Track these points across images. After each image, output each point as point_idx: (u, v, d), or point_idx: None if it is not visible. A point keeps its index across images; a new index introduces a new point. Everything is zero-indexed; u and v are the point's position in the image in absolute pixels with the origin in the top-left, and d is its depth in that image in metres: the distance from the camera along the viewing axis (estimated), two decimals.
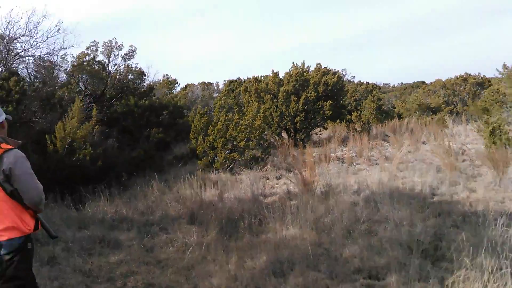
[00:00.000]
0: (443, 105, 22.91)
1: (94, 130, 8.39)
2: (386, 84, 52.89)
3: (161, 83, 32.82)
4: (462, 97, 24.15)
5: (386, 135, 15.62)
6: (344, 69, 47.46)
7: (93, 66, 11.56)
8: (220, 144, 10.11)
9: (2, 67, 9.57)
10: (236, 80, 28.03)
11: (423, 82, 39.65)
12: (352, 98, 27.27)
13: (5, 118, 3.18)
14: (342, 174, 9.51)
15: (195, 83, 38.82)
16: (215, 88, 40.30)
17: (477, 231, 5.04)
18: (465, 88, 24.37)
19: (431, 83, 29.67)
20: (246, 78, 23.52)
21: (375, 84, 39.66)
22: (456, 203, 6.50)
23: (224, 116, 10.36)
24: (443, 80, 25.60)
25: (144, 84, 15.77)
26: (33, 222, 3.07)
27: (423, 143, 13.36)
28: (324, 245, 4.87)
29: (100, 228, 5.77)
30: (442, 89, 25.00)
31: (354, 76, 41.94)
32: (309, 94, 14.58)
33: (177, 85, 35.21)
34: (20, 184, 2.94)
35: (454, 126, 17.78)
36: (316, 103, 14.90)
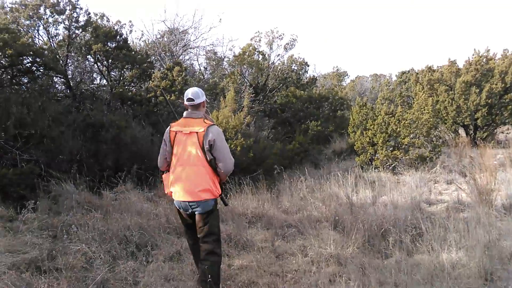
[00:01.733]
0: None
1: (246, 120, 8.21)
2: None
3: (330, 75, 32.46)
4: None
5: None
6: None
7: (253, 57, 11.54)
8: (380, 140, 9.09)
9: (171, 59, 10.10)
10: (409, 71, 26.00)
11: None
12: None
13: (205, 100, 3.80)
14: None
15: (366, 75, 37.39)
16: (388, 79, 38.24)
17: None
18: None
19: None
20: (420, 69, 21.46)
21: None
22: None
23: (386, 108, 9.27)
24: None
25: (307, 75, 15.44)
26: (219, 188, 3.72)
27: None
28: (497, 282, 3.67)
29: (237, 224, 5.45)
30: None
31: None
32: (494, 86, 12.36)
33: (346, 76, 34.43)
34: (219, 154, 3.57)
35: None
36: (503, 96, 12.58)
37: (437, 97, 13.11)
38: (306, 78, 15.06)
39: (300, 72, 15.00)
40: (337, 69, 33.93)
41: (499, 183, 7.93)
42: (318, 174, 9.26)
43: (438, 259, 4.05)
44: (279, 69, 13.67)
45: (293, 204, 6.64)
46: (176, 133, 3.63)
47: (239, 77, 12.43)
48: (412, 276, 3.77)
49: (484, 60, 13.19)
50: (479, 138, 12.96)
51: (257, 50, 11.90)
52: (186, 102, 3.71)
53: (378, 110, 9.59)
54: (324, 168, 10.52)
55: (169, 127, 3.72)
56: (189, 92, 3.70)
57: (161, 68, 10.24)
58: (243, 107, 8.61)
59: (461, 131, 13.93)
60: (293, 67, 14.73)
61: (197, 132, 3.53)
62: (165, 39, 11.92)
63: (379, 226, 5.20)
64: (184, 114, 3.73)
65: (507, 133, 13.37)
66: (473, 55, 13.44)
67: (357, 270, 4.05)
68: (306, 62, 14.97)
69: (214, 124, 3.63)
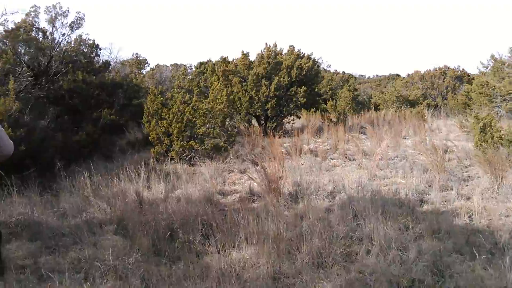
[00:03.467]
0: (421, 98, 21.99)
1: (13, 106, 6.79)
2: (362, 75, 52.12)
3: (129, 62, 30.94)
4: (440, 90, 23.31)
5: (363, 127, 14.48)
6: (320, 57, 46.37)
7: (31, 34, 9.85)
8: (175, 130, 8.67)
9: None
10: (207, 62, 26.44)
11: (398, 75, 38.89)
12: (328, 86, 26.15)
13: None
14: (315, 171, 8.26)
15: (167, 64, 36.92)
16: (188, 69, 38.51)
17: (489, 261, 3.84)
18: (444, 82, 23.53)
19: (408, 75, 28.77)
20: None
21: (351, 74, 38.58)
22: (451, 214, 5.30)
23: (181, 97, 8.89)
24: (422, 72, 24.63)
25: (100, 59, 14.12)
26: None
27: (404, 137, 12.24)
28: (285, 280, 3.56)
29: None
30: (421, 81, 24.08)
31: (330, 65, 40.83)
32: (281, 79, 13.23)
33: (147, 65, 33.38)
34: None
35: (434, 120, 16.80)
36: (289, 89, 13.58)
37: (232, 88, 13.41)
38: (98, 62, 13.75)
39: (92, 55, 13.62)
40: (137, 56, 32.68)
41: (286, 171, 8.33)
42: (108, 168, 8.40)
43: (228, 259, 3.77)
44: (65, 50, 12.10)
45: (73, 206, 5.69)
46: None
47: (13, 57, 10.54)
48: (198, 283, 3.37)
49: (273, 54, 14.02)
50: (269, 128, 13.74)
51: (35, 26, 10.20)
52: None
53: (173, 100, 9.14)
54: (120, 160, 9.67)
55: None
56: None
57: None
58: (9, 91, 7.11)
59: (254, 121, 14.62)
60: (82, 49, 13.28)
61: None
62: None
63: (170, 225, 4.72)
64: None
65: (293, 123, 14.51)
66: (264, 48, 14.14)
67: (140, 283, 3.47)
68: (98, 45, 13.66)
69: None
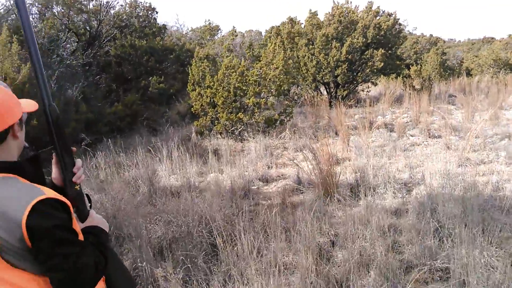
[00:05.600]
0: None
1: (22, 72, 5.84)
2: (451, 39, 47.34)
3: (201, 29, 30.22)
4: None
5: (452, 96, 12.30)
6: (405, 20, 42.64)
7: None
8: (221, 100, 7.42)
9: None
10: (279, 27, 24.83)
11: (493, 38, 34.43)
12: (413, 50, 23.46)
13: None
14: (388, 151, 6.63)
15: (242, 31, 35.75)
16: (263, 35, 37.09)
17: None
18: None
19: (510, 35, 25.07)
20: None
21: (439, 37, 34.79)
22: None
23: (227, 62, 7.56)
24: None
25: (157, 23, 13.19)
26: None
27: (504, 109, 10.03)
28: None
29: None
30: None
31: (416, 28, 37.29)
32: (355, 40, 11.41)
33: (219, 31, 32.52)
34: None
35: None
36: (364, 52, 11.72)
37: (298, 51, 11.86)
38: (154, 26, 12.81)
39: (147, 20, 12.71)
40: (210, 23, 31.82)
41: (350, 151, 6.81)
42: (145, 144, 7.40)
43: None
44: (117, 13, 11.27)
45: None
46: None
47: (58, 21, 9.83)
48: None
49: (346, 12, 12.16)
50: (340, 97, 12.07)
51: None
52: None
53: (221, 64, 7.86)
54: (163, 135, 8.69)
55: None
56: None
57: None
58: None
59: (324, 90, 12.98)
60: (137, 12, 12.39)
61: None
62: None
63: (168, 239, 3.49)
64: None
65: (367, 91, 12.68)
66: (332, 7, 12.32)
67: None
68: (154, 8, 12.72)
69: None
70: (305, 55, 11.56)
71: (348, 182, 4.97)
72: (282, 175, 5.78)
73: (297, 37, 11.97)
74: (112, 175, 5.11)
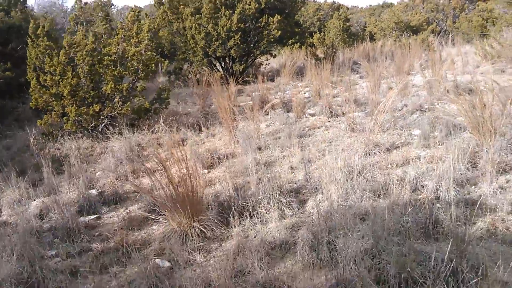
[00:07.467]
0: (424, 24, 18.59)
1: None
2: (353, 6, 47.74)
3: (92, 5, 27.24)
4: (446, 13, 19.89)
5: (357, 63, 11.35)
6: None
7: None
8: (66, 90, 5.61)
9: None
10: None
11: (392, 4, 34.83)
12: (316, 17, 22.63)
13: None
14: (283, 138, 5.32)
15: (140, 6, 32.89)
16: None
17: None
18: (450, 2, 20.08)
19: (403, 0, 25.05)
20: None
21: (342, 4, 34.51)
22: None
23: (68, 38, 5.72)
24: None
25: None
26: None
27: (411, 74, 9.19)
28: None
29: None
30: (423, 3, 20.58)
31: None
32: (247, 6, 9.92)
33: (113, 7, 29.57)
34: None
35: (442, 49, 13.48)
36: (258, 20, 10.30)
37: (183, 22, 10.17)
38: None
39: None
40: None
41: (237, 142, 5.42)
42: None
43: None
44: None
45: None
46: None
47: None
48: None
49: None
50: (236, 72, 10.63)
51: None
52: None
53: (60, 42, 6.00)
54: (6, 138, 6.76)
55: None
56: None
57: None
58: None
59: (219, 66, 11.43)
60: None
61: None
62: None
63: None
64: None
65: (266, 64, 11.35)
66: None
67: None
68: None
69: None
70: (192, 26, 9.90)
71: (222, 198, 3.54)
72: (137, 191, 4.22)
73: (182, 6, 10.26)
74: None
